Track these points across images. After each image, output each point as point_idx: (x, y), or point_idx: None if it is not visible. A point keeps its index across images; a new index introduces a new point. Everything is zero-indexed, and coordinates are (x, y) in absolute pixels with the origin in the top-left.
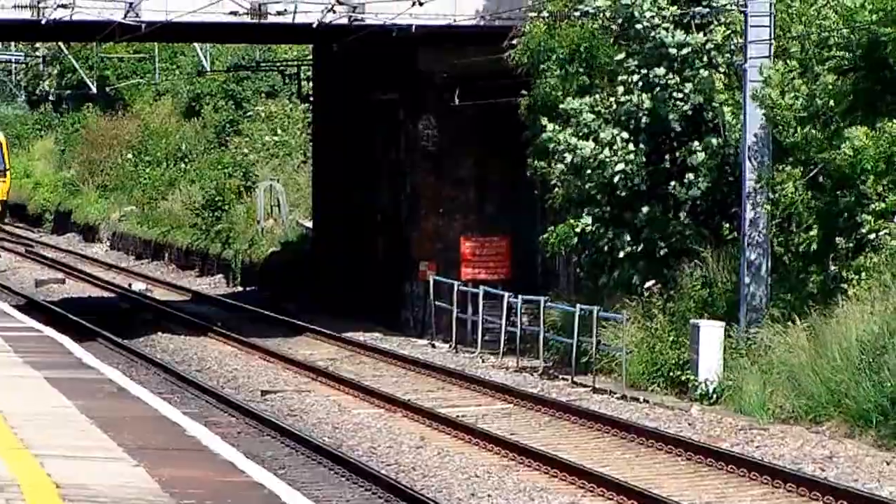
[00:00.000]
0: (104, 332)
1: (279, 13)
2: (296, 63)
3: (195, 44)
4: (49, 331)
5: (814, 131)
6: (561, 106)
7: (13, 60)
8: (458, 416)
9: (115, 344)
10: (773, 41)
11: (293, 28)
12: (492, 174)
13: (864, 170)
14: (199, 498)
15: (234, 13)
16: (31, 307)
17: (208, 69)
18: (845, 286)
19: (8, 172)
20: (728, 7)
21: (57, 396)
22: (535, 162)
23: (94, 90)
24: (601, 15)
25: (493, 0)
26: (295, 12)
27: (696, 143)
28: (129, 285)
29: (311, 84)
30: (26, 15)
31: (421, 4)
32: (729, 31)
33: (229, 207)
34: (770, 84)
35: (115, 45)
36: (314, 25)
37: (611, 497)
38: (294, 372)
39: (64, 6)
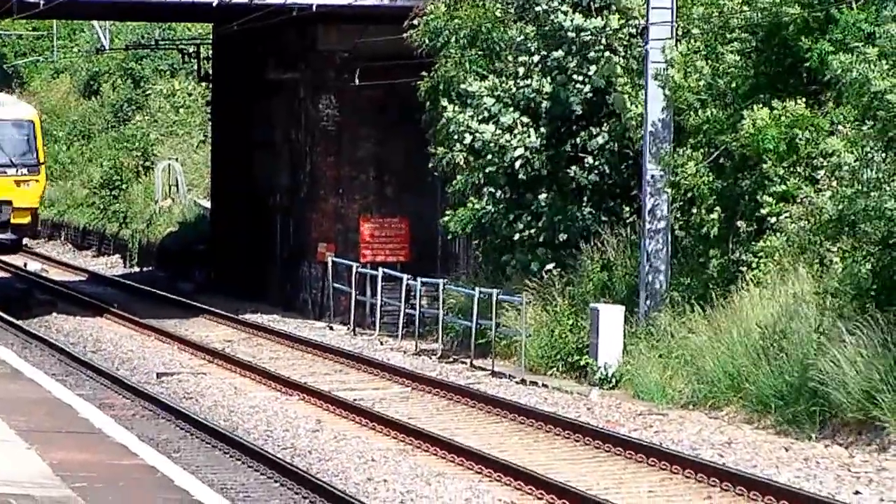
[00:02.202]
0: None
1: None
2: (196, 42)
3: (94, 21)
4: None
5: (716, 112)
6: (462, 86)
7: None
8: (354, 400)
9: (9, 324)
10: (675, 22)
11: (193, 6)
12: (392, 155)
13: (766, 150)
14: (92, 481)
15: None
16: None
17: (107, 47)
18: (745, 271)
19: (43, 168)
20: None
21: None
22: (436, 145)
23: None
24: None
25: None
26: None
27: (597, 127)
28: (24, 265)
29: (210, 63)
30: None
31: None
32: (625, 19)
33: (127, 187)
34: (673, 65)
35: (12, 22)
36: (214, 4)
37: (508, 482)
38: (190, 354)
39: None
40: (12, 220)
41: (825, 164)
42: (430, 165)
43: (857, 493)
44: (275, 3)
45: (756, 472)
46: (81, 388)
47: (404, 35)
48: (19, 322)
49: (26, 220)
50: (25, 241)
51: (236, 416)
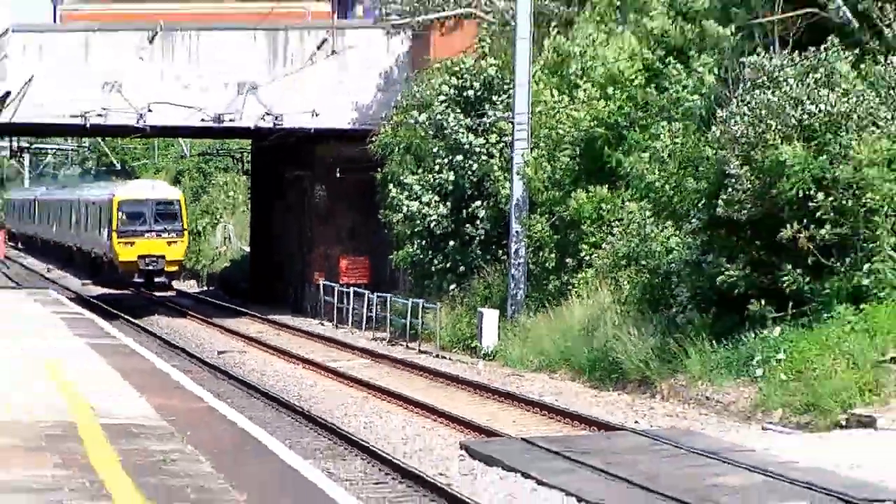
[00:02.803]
0: (122, 314)
1: (230, 120)
2: (241, 150)
3: (180, 139)
4: (88, 313)
5: (554, 193)
6: (400, 178)
7: (69, 149)
8: (337, 367)
9: (129, 322)
10: (529, 139)
11: (239, 129)
12: (359, 219)
13: (584, 217)
14: (178, 416)
15: (203, 120)
16: (78, 299)
17: (188, 154)
18: (571, 289)
19: (186, 232)
20: (502, 119)
21: (93, 354)
22: (385, 212)
23: (119, 166)
24: (424, 123)
25: (361, 113)
26: (240, 120)
27: (482, 201)
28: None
29: (250, 164)
30: (77, 121)
31: (317, 116)
32: (500, 136)
33: (201, 238)
34: (528, 164)
35: (130, 139)
36: (252, 128)
37: (427, 416)
38: (238, 340)
39: (100, 115)
40: (165, 269)
41: (620, 224)
42: (382, 224)
43: (636, 422)
44: (290, 128)
45: (577, 410)
46: (172, 360)
47: (367, 146)
48: (135, 320)
49: (174, 268)
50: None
51: (265, 377)
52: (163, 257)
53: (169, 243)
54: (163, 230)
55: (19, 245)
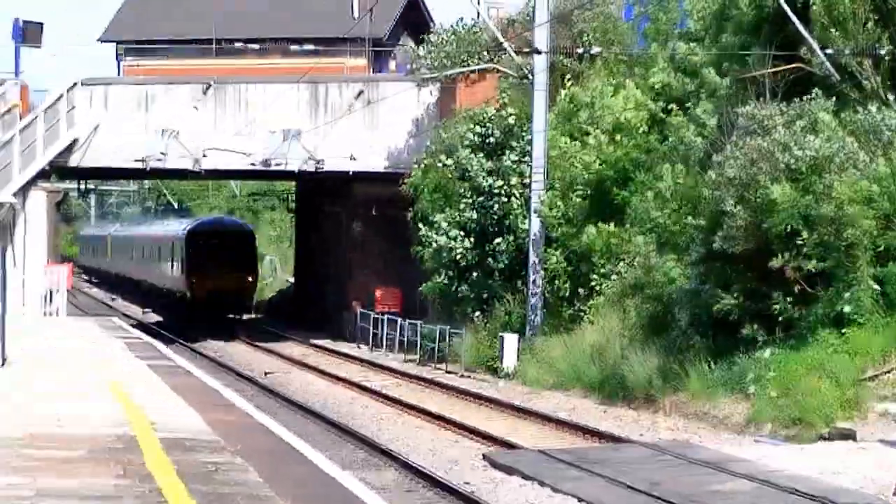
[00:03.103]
0: (178, 339)
1: (276, 164)
2: (286, 191)
3: (231, 181)
4: (147, 338)
5: (567, 230)
6: (430, 217)
7: (131, 190)
8: (372, 386)
9: (184, 346)
10: (545, 181)
11: (284, 172)
12: (392, 253)
13: (594, 251)
14: (230, 428)
15: (252, 164)
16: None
17: (238, 195)
18: (583, 315)
19: (257, 267)
20: (513, 164)
21: (153, 375)
22: (416, 247)
23: (176, 206)
24: (450, 167)
25: (393, 157)
26: (286, 164)
27: (502, 237)
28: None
29: (295, 202)
30: (139, 165)
31: (355, 160)
32: (520, 179)
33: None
34: (543, 204)
35: (187, 181)
36: (296, 171)
37: (455, 431)
38: (282, 361)
39: (159, 160)
40: (236, 304)
41: (627, 256)
42: (413, 257)
43: (641, 435)
44: (330, 170)
45: (588, 424)
46: (223, 380)
47: (399, 187)
48: (189, 344)
49: (246, 304)
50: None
51: (308, 396)
52: (234, 293)
53: (240, 280)
54: (235, 266)
55: (92, 279)
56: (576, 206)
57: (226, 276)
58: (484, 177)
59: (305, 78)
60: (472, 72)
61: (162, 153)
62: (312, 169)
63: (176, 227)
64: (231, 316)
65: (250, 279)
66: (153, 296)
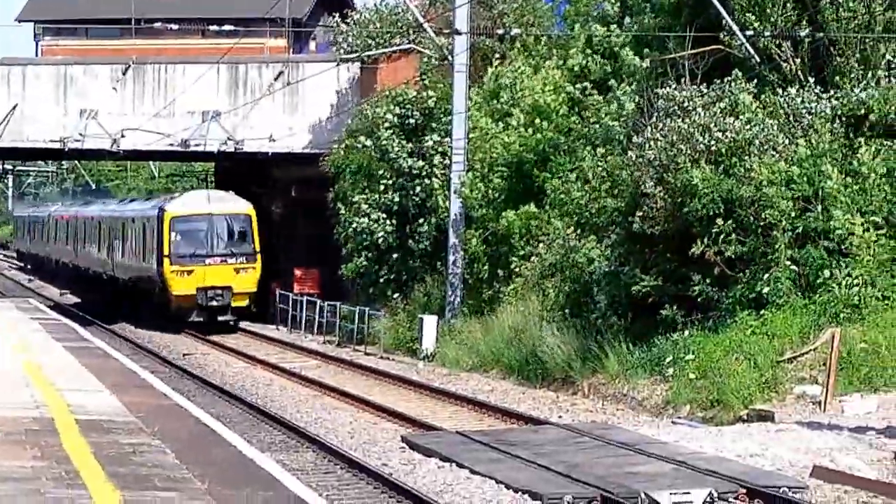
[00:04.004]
0: (95, 320)
1: (196, 145)
2: (206, 172)
3: (150, 162)
4: (65, 319)
5: (487, 211)
6: (351, 198)
7: (49, 171)
8: (291, 368)
9: (102, 327)
10: (466, 162)
11: (203, 153)
12: (314, 234)
13: (513, 232)
14: (146, 411)
15: (171, 145)
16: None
17: (157, 176)
18: (502, 297)
19: (259, 256)
20: (435, 145)
21: (70, 357)
22: (337, 228)
23: (94, 187)
24: (371, 147)
25: (314, 138)
26: (205, 145)
27: (423, 218)
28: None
29: (213, 184)
30: (57, 146)
31: (274, 141)
32: (443, 159)
33: None
34: (464, 185)
35: (106, 162)
36: (216, 152)
37: (371, 412)
38: (201, 342)
39: (78, 141)
40: (232, 304)
41: (546, 238)
42: (336, 239)
43: (560, 417)
44: (249, 152)
45: (507, 406)
46: (141, 362)
47: (319, 168)
48: (107, 326)
49: (244, 303)
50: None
51: (226, 378)
52: (229, 289)
53: (237, 270)
54: (229, 254)
55: (28, 266)
56: (496, 188)
57: (215, 270)
58: (405, 158)
59: (225, 59)
60: (393, 52)
61: (81, 134)
62: (232, 150)
63: (146, 206)
64: (224, 319)
65: (249, 272)
66: (125, 298)
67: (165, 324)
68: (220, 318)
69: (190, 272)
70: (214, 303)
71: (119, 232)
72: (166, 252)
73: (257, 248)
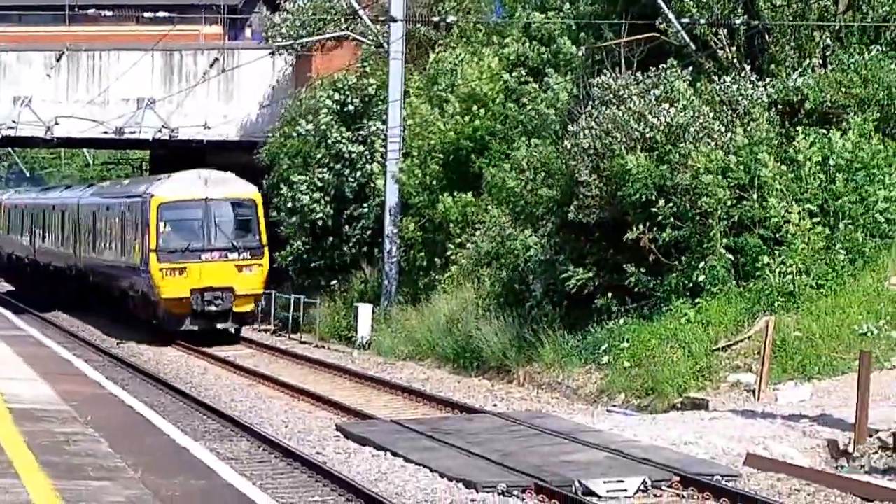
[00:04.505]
0: (29, 308)
1: (131, 132)
2: (140, 160)
3: (84, 149)
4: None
5: (424, 198)
6: (290, 179)
7: None
8: (225, 356)
9: (36, 316)
10: (402, 148)
11: (138, 141)
12: None
13: (450, 220)
14: (80, 401)
15: (105, 133)
16: None
17: (92, 163)
18: (439, 285)
19: (266, 251)
20: (377, 131)
21: (2, 346)
22: (275, 212)
23: (28, 174)
24: (310, 132)
25: (249, 126)
26: (139, 132)
27: (361, 203)
28: None
29: (149, 171)
30: None
31: (209, 128)
32: (383, 143)
33: None
34: (402, 171)
35: (40, 150)
36: (150, 139)
37: (307, 401)
38: (135, 331)
39: (11, 128)
40: (234, 309)
41: (483, 226)
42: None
43: (495, 405)
44: (183, 140)
45: (442, 394)
46: (75, 350)
47: (254, 156)
48: (41, 314)
49: (248, 308)
50: None
51: (160, 366)
52: (230, 291)
53: (240, 268)
54: (230, 248)
55: None
56: (433, 175)
57: (214, 267)
58: (344, 143)
59: (160, 46)
60: (328, 40)
61: (14, 121)
62: (166, 137)
63: (126, 190)
64: (224, 328)
65: (255, 270)
66: (86, 293)
67: (142, 330)
68: (220, 327)
69: (182, 270)
70: (212, 308)
71: (89, 222)
72: (153, 246)
73: (264, 241)
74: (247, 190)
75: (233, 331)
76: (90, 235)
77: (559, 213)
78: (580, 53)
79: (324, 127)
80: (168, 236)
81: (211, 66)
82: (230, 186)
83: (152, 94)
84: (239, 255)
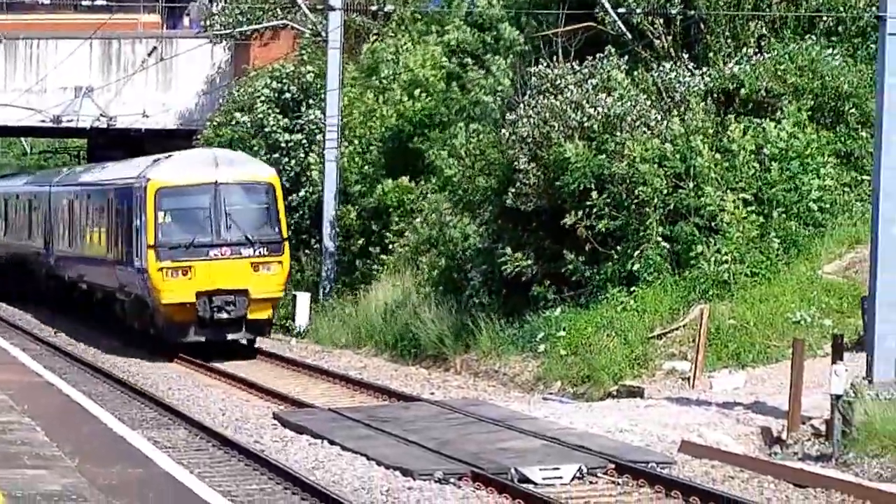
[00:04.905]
0: None
1: (69, 121)
2: (78, 149)
3: (21, 138)
4: None
5: (362, 186)
6: None
7: None
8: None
9: None
10: (340, 136)
11: (76, 129)
12: None
13: (388, 206)
14: (16, 389)
15: (43, 121)
16: None
17: (29, 152)
18: (377, 272)
19: (286, 245)
20: (315, 119)
21: None
22: None
23: None
24: (246, 124)
25: (187, 115)
26: (77, 121)
27: (299, 191)
28: None
29: (87, 160)
30: None
31: (147, 117)
32: (314, 134)
33: None
34: (342, 158)
35: None
36: (88, 128)
37: (244, 389)
38: (72, 320)
39: None
40: (249, 316)
41: (422, 213)
42: None
43: (432, 393)
44: (121, 128)
45: (379, 382)
46: (12, 339)
47: (192, 144)
48: None
49: (265, 314)
50: None
51: (98, 355)
52: (244, 294)
53: (256, 266)
54: (245, 242)
55: None
56: (373, 163)
57: (224, 265)
58: (280, 132)
59: (98, 34)
60: (266, 29)
61: None
62: (104, 126)
63: (115, 173)
64: (236, 338)
65: (274, 269)
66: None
67: (135, 342)
68: (231, 337)
69: (187, 270)
70: (223, 315)
71: (65, 212)
72: (151, 241)
73: (285, 234)
74: (263, 172)
75: (245, 342)
76: (65, 228)
77: (497, 202)
78: (521, 38)
79: (260, 116)
80: (169, 229)
81: (149, 54)
82: (243, 167)
83: (90, 83)
84: (255, 250)
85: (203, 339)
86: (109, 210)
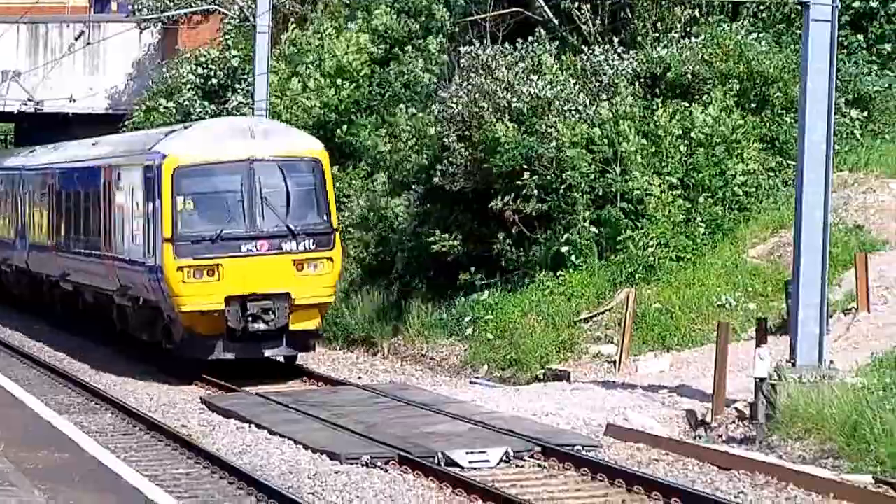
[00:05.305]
0: None
1: None
2: (4, 133)
3: None
4: None
5: None
6: None
7: None
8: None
9: None
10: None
11: (3, 113)
12: None
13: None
14: None
15: None
16: None
17: None
18: None
19: (338, 238)
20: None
21: None
22: None
23: None
24: (171, 109)
25: (115, 99)
26: (4, 105)
27: None
28: None
29: (13, 145)
30: None
31: (75, 101)
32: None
33: None
34: None
35: None
36: (15, 112)
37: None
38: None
39: None
40: (291, 326)
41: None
42: None
43: (359, 378)
44: (49, 112)
45: (308, 367)
46: None
47: (120, 129)
48: None
49: (312, 324)
50: None
51: (24, 340)
52: (285, 299)
53: (300, 265)
54: (285, 234)
55: None
56: None
57: (259, 263)
58: (199, 102)
59: (25, 18)
60: (195, 13)
61: None
62: (32, 110)
63: (118, 149)
64: (274, 354)
65: (322, 267)
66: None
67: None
68: (268, 354)
69: (213, 270)
70: (259, 325)
71: (46, 198)
72: (168, 233)
73: (335, 223)
74: (308, 145)
75: (281, 359)
76: (43, 216)
77: (426, 181)
78: (452, 20)
79: (186, 103)
80: (191, 218)
81: (77, 38)
82: (284, 140)
83: (17, 67)
84: (298, 244)
85: (232, 355)
86: (107, 194)
